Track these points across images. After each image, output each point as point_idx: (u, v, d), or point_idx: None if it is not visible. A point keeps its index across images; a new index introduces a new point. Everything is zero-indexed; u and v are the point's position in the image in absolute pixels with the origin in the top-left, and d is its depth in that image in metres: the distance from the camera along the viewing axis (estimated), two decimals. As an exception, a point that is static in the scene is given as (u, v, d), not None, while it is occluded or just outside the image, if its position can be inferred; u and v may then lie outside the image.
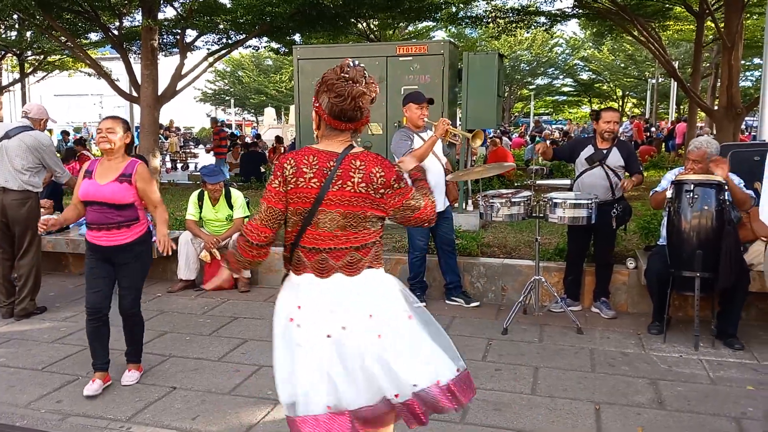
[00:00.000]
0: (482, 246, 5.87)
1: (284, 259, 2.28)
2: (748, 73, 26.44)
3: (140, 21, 12.31)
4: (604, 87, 37.58)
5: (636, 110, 37.50)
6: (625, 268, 5.14)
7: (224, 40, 14.01)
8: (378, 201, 2.17)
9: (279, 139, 17.78)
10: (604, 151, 4.90)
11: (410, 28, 21.92)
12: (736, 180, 4.33)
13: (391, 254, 5.80)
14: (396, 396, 2.09)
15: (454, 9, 13.62)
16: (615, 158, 4.88)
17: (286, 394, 2.11)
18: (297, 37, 16.42)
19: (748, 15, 11.57)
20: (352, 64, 2.12)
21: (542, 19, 14.18)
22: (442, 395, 2.12)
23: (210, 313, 5.23)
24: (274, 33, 13.90)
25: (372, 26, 18.11)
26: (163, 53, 14.55)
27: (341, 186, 2.12)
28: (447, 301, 5.32)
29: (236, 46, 14.23)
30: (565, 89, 40.36)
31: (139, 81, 12.07)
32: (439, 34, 24.44)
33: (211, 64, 13.66)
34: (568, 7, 14.04)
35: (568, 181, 5.03)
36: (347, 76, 2.09)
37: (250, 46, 15.92)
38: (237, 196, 6.07)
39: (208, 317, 5.11)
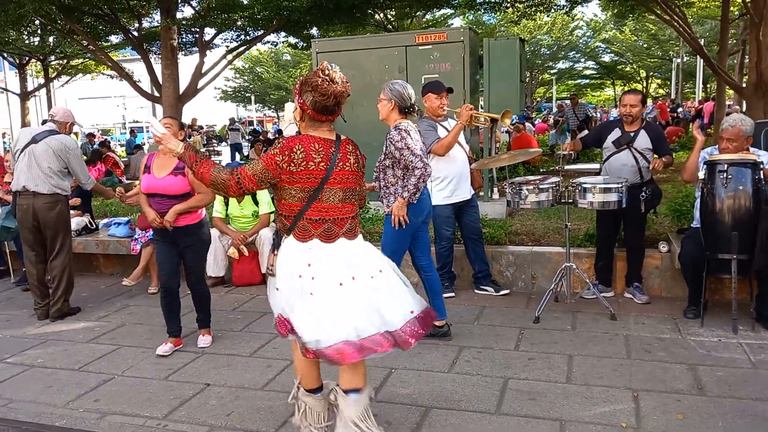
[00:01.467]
0: (510, 234, 5.80)
1: (283, 227, 2.73)
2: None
3: (159, 21, 12.41)
4: (627, 68, 36.92)
5: (661, 91, 36.79)
6: (657, 252, 5.03)
7: (242, 37, 14.05)
8: (361, 178, 2.83)
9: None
10: (632, 134, 4.80)
11: (428, 17, 21.75)
12: (767, 158, 4.20)
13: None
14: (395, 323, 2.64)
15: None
16: (642, 141, 4.78)
17: (309, 334, 2.53)
18: (314, 31, 16.40)
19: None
20: (330, 67, 2.60)
21: (562, 2, 13.94)
22: (416, 323, 2.69)
23: (240, 309, 5.25)
24: (291, 27, 13.90)
25: (389, 16, 18.00)
26: (183, 52, 14.66)
27: (342, 167, 2.69)
28: (476, 291, 5.28)
29: (254, 42, 14.26)
30: (588, 72, 39.75)
31: (161, 81, 12.17)
32: (457, 22, 24.19)
33: (230, 62, 13.73)
34: (588, -11, 13.78)
35: (596, 166, 4.94)
36: (329, 77, 2.58)
37: (268, 42, 15.96)
38: (262, 192, 6.08)
39: (238, 313, 5.14)
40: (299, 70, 37.29)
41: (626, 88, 40.21)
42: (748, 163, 4.07)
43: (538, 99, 42.42)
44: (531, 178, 5.05)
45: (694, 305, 4.46)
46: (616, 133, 4.88)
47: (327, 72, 2.59)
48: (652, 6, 12.70)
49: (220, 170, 2.64)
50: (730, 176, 4.06)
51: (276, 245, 2.82)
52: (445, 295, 5.02)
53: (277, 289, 2.70)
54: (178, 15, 12.87)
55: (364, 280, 2.63)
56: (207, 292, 4.48)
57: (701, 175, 4.26)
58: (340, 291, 2.57)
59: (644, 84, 38.11)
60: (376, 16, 16.92)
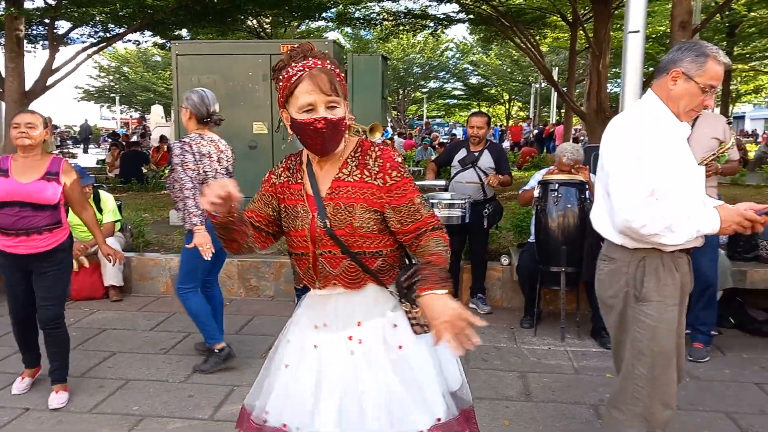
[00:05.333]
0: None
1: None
2: (618, 80, 28.51)
3: (3, 10, 11.33)
4: (492, 91, 39.12)
5: (522, 113, 39.36)
6: (499, 264, 5.34)
7: (102, 34, 13.19)
8: None
9: (163, 138, 16.95)
10: (476, 154, 5.09)
11: (303, 28, 21.74)
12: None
13: (275, 257, 5.68)
14: None
15: (341, 9, 13.62)
16: (486, 160, 5.08)
17: None
18: (184, 33, 15.79)
19: (615, 25, 12.43)
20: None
21: (429, 23, 14.53)
22: None
23: (76, 325, 4.86)
24: (157, 27, 13.27)
25: (264, 24, 17.75)
26: (33, 45, 13.48)
27: None
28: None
29: (115, 40, 13.44)
30: (456, 93, 41.62)
31: (3, 75, 11.09)
32: (333, 35, 24.41)
33: (88, 57, 12.80)
34: (453, 12, 14.47)
35: (443, 182, 5.17)
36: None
37: (132, 41, 15.14)
38: (107, 198, 5.70)
39: (73, 330, 4.74)
40: (169, 71, 35.66)
41: (491, 110, 42.71)
42: (575, 183, 4.44)
43: (410, 116, 43.76)
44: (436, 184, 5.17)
45: (529, 315, 4.77)
46: (462, 153, 5.16)
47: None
48: (511, 35, 13.60)
49: (435, 243, 1.77)
50: (560, 195, 4.41)
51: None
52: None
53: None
54: (28, 4, 11.82)
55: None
56: (65, 336, 3.55)
57: (536, 193, 4.58)
58: None
59: (507, 106, 40.61)
60: (249, 23, 16.63)
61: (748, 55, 19.12)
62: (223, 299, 4.31)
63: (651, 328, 2.27)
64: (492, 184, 4.96)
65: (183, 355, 4.14)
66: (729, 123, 4.62)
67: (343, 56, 8.28)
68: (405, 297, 1.76)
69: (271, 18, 16.52)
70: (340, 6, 13.70)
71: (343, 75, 1.79)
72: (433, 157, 5.90)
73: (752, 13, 15.23)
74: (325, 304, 1.87)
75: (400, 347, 1.80)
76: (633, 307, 2.30)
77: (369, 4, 14.16)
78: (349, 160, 1.81)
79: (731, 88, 21.94)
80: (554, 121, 22.26)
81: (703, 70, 2.20)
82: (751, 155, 16.62)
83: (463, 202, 4.62)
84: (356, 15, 14.65)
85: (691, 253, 2.38)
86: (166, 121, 25.56)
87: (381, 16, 14.37)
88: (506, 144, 23.09)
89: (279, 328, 4.88)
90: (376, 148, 1.81)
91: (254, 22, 16.76)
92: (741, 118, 43.88)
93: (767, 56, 20.20)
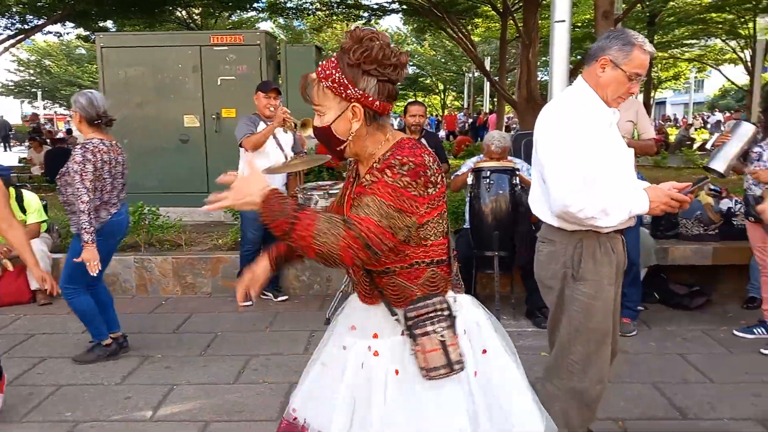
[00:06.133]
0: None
1: (431, 284, 1.69)
2: (548, 68, 29.31)
3: None
4: (427, 81, 39.50)
5: (457, 103, 39.93)
6: (438, 251, 5.42)
7: (19, 25, 12.54)
8: None
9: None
10: (414, 142, 5.13)
11: (234, 18, 21.28)
12: (525, 166, 4.75)
13: (210, 253, 5.58)
14: None
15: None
16: (425, 148, 5.13)
17: None
18: (110, 24, 15.20)
19: (543, 15, 12.77)
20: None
21: (363, 13, 14.51)
22: None
23: (2, 332, 4.64)
24: (79, 18, 12.72)
25: (193, 15, 17.29)
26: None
27: None
28: (262, 296, 5.24)
29: (34, 32, 12.82)
30: (393, 82, 41.73)
31: None
32: (266, 25, 24.01)
33: (5, 51, 12.15)
34: (387, 2, 14.51)
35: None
36: (384, 42, 1.59)
37: (53, 33, 14.45)
38: (31, 198, 5.46)
39: (-2, 337, 4.54)
40: (95, 65, 34.22)
41: (428, 100, 43.03)
42: (507, 170, 4.56)
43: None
44: (322, 183, 5.15)
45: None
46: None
47: (376, 33, 1.60)
48: (443, 25, 13.76)
49: (328, 234, 1.49)
50: (492, 182, 4.52)
51: (453, 320, 1.65)
52: (243, 303, 4.92)
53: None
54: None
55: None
56: None
57: (469, 180, 4.67)
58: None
59: (442, 96, 41.09)
60: (178, 14, 16.16)
61: (667, 43, 20.01)
62: (162, 298, 4.22)
63: (588, 306, 2.36)
64: None
65: (118, 357, 4.03)
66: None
67: (277, 47, 8.16)
68: (408, 330, 1.63)
69: (201, 8, 16.11)
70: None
71: (337, 75, 1.57)
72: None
73: (671, 3, 15.97)
74: (355, 307, 1.82)
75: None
76: (571, 286, 2.38)
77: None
78: (375, 164, 1.61)
79: (653, 74, 22.93)
80: (487, 110, 22.72)
81: (629, 59, 2.28)
82: (672, 139, 17.46)
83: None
84: (288, 5, 14.48)
85: (624, 233, 2.48)
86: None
87: (314, 6, 14.25)
88: (442, 133, 23.41)
89: (217, 326, 4.86)
90: (407, 146, 1.60)
91: (183, 12, 16.30)
92: (662, 103, 46.00)
93: (685, 44, 21.21)
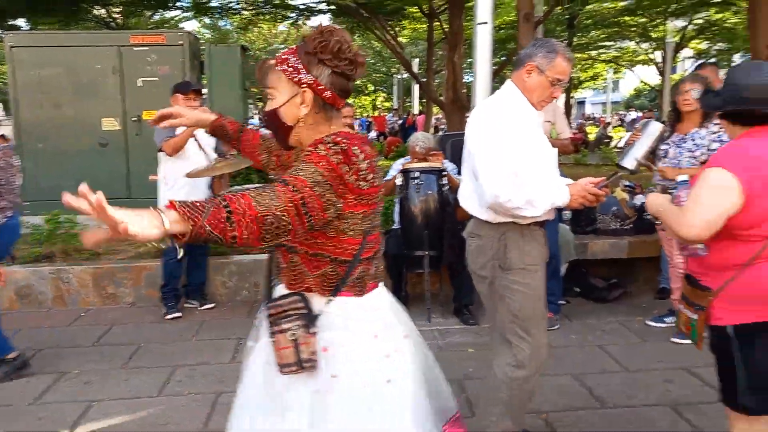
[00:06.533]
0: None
1: (324, 281, 1.67)
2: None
3: None
4: (357, 82, 39.53)
5: (387, 104, 40.17)
6: (368, 253, 5.43)
7: None
8: None
9: (4, 137, 15.32)
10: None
11: (157, 17, 20.56)
12: (450, 167, 4.84)
13: (133, 261, 5.37)
14: None
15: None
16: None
17: None
18: (22, 23, 14.39)
19: (468, 17, 13.03)
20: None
21: (290, 13, 14.37)
22: None
23: None
24: (-15, 15, 11.98)
25: (113, 14, 16.58)
26: None
27: None
28: (186, 305, 5.10)
29: (-66, 30, 11.95)
30: (323, 83, 41.55)
31: None
32: (191, 25, 23.37)
33: None
34: (314, 2, 14.43)
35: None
36: (343, 38, 1.62)
37: (-44, 30, 13.50)
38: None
39: None
40: (5, 65, 32.30)
41: (358, 101, 43.04)
42: (434, 170, 4.62)
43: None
44: (250, 186, 5.05)
45: (397, 299, 4.90)
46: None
47: (338, 31, 1.63)
48: (371, 27, 13.80)
49: (264, 196, 1.41)
50: (421, 182, 4.58)
51: (308, 319, 1.63)
52: (169, 316, 4.78)
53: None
54: None
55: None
56: None
57: (398, 182, 4.71)
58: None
59: (372, 97, 41.22)
60: (97, 12, 15.46)
61: (585, 45, 20.86)
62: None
63: (520, 293, 2.52)
64: None
65: (31, 375, 3.81)
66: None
67: (200, 48, 7.96)
68: (269, 326, 1.66)
69: (121, 7, 15.48)
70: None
71: (293, 59, 1.60)
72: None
73: (588, 6, 16.65)
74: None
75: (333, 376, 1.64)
76: (501, 276, 2.54)
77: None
78: (299, 155, 1.65)
79: (573, 75, 23.84)
80: (417, 111, 22.98)
81: (552, 65, 2.46)
82: (592, 137, 18.21)
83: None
84: (213, 4, 14.14)
85: (544, 225, 2.62)
86: (6, 116, 23.20)
87: (240, 6, 13.98)
88: (373, 134, 23.51)
89: (140, 337, 4.68)
90: (345, 134, 1.59)
91: (102, 11, 15.61)
92: (582, 102, 47.95)
93: (602, 46, 22.17)
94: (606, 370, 3.73)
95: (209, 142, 4.85)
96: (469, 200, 2.63)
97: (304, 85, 1.61)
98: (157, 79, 7.26)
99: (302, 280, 1.67)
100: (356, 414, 1.62)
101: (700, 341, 2.10)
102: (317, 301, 1.66)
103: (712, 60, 21.90)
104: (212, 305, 5.10)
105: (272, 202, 1.39)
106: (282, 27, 29.41)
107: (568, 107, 24.16)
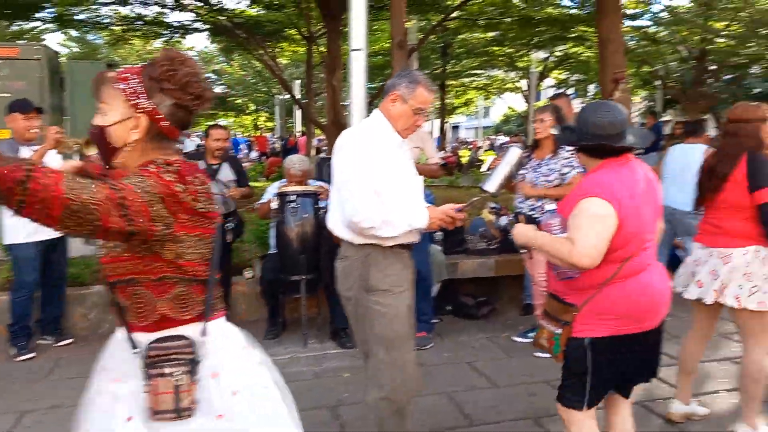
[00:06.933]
0: (96, 273, 5.36)
1: (195, 302, 1.63)
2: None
3: None
4: (238, 101, 38.82)
5: (269, 124, 39.76)
6: (243, 278, 5.30)
7: None
8: None
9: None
10: (215, 167, 4.99)
11: (15, 28, 18.99)
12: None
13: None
14: None
15: (60, 9, 12.25)
16: (226, 173, 5.02)
17: None
18: None
19: (346, 42, 13.25)
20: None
21: (164, 30, 13.87)
22: None
23: None
24: None
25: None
26: None
27: None
28: (38, 341, 4.68)
29: None
30: (202, 101, 40.34)
31: None
32: (56, 37, 21.78)
33: None
34: (189, 20, 14.01)
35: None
36: (195, 70, 1.58)
37: None
38: None
39: None
40: None
41: (239, 121, 42.18)
42: (310, 193, 4.62)
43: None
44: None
45: (273, 326, 4.82)
46: (200, 166, 5.00)
47: (191, 62, 1.58)
48: (249, 48, 13.64)
49: (81, 183, 1.34)
50: (297, 206, 4.55)
51: (194, 365, 1.58)
52: (20, 358, 4.36)
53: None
54: None
55: None
56: None
57: (274, 205, 4.65)
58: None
59: (254, 117, 40.62)
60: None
61: (458, 73, 21.91)
62: None
63: (382, 314, 2.54)
64: (235, 196, 4.93)
65: None
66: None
67: (59, 63, 7.43)
68: (145, 367, 1.56)
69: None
70: (59, 6, 12.30)
71: (135, 81, 1.54)
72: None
73: (460, 36, 17.53)
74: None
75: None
76: (365, 297, 2.57)
77: (93, 6, 12.96)
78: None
79: (446, 101, 24.93)
80: (299, 132, 22.94)
81: (414, 95, 2.56)
82: (465, 160, 19.06)
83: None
84: (80, 17, 13.31)
85: (411, 248, 2.69)
86: None
87: (110, 20, 13.27)
88: (254, 154, 23.15)
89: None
90: (160, 160, 1.53)
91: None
92: (457, 127, 50.25)
93: (473, 74, 23.39)
94: (475, 387, 3.87)
95: (57, 163, 4.50)
96: (337, 223, 2.66)
97: (141, 111, 1.55)
98: (9, 95, 6.66)
99: (153, 309, 1.59)
100: (263, 422, 1.64)
101: (561, 354, 2.28)
102: (192, 330, 1.61)
103: (570, 90, 23.89)
104: (70, 340, 4.71)
105: (85, 191, 1.32)
106: (157, 43, 28.33)
107: (443, 132, 25.20)
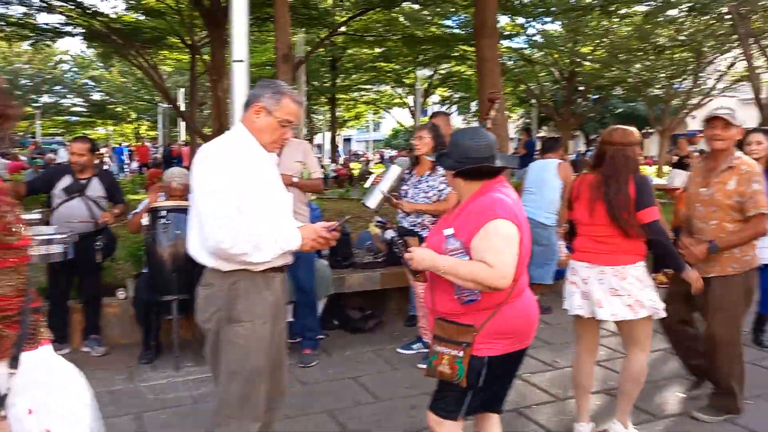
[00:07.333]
0: None
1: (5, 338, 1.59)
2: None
3: None
4: (118, 109, 36.80)
5: (152, 133, 38.01)
6: (116, 299, 4.98)
7: None
8: None
9: None
10: (83, 182, 4.67)
11: None
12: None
13: None
14: None
15: None
16: (96, 188, 4.71)
17: None
18: None
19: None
20: None
21: (31, 33, 12.90)
22: None
23: None
24: None
25: None
26: None
27: None
28: None
29: None
30: (77, 109, 37.84)
31: None
32: None
33: None
34: (60, 23, 13.10)
35: (37, 216, 4.53)
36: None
37: None
38: None
39: None
40: None
41: (120, 129, 39.99)
42: (185, 208, 4.41)
43: (22, 133, 38.13)
44: None
45: (148, 349, 4.55)
46: (66, 180, 4.67)
47: None
48: (127, 54, 12.98)
49: None
50: (169, 222, 4.32)
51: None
52: None
53: None
54: None
55: None
56: None
57: (145, 221, 4.41)
58: None
59: (135, 125, 38.66)
60: None
61: (348, 87, 22.13)
62: None
63: (242, 348, 2.37)
64: (109, 221, 4.63)
65: None
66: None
67: None
68: None
69: None
70: None
71: None
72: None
73: (348, 51, 17.71)
74: None
75: None
76: (225, 328, 2.38)
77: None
78: None
79: (338, 114, 25.10)
80: (183, 142, 22.09)
81: (279, 107, 2.40)
82: (356, 172, 19.23)
83: (64, 236, 4.15)
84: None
85: (284, 270, 2.56)
86: None
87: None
88: (134, 165, 22.03)
89: None
90: None
91: None
92: (349, 140, 50.69)
93: (363, 89, 23.74)
94: (359, 402, 3.85)
95: None
96: (197, 247, 2.41)
97: None
98: None
99: None
100: None
101: (466, 376, 2.22)
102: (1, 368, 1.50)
103: (453, 107, 24.82)
104: None
105: None
106: (26, 45, 26.23)
107: (334, 144, 25.30)
